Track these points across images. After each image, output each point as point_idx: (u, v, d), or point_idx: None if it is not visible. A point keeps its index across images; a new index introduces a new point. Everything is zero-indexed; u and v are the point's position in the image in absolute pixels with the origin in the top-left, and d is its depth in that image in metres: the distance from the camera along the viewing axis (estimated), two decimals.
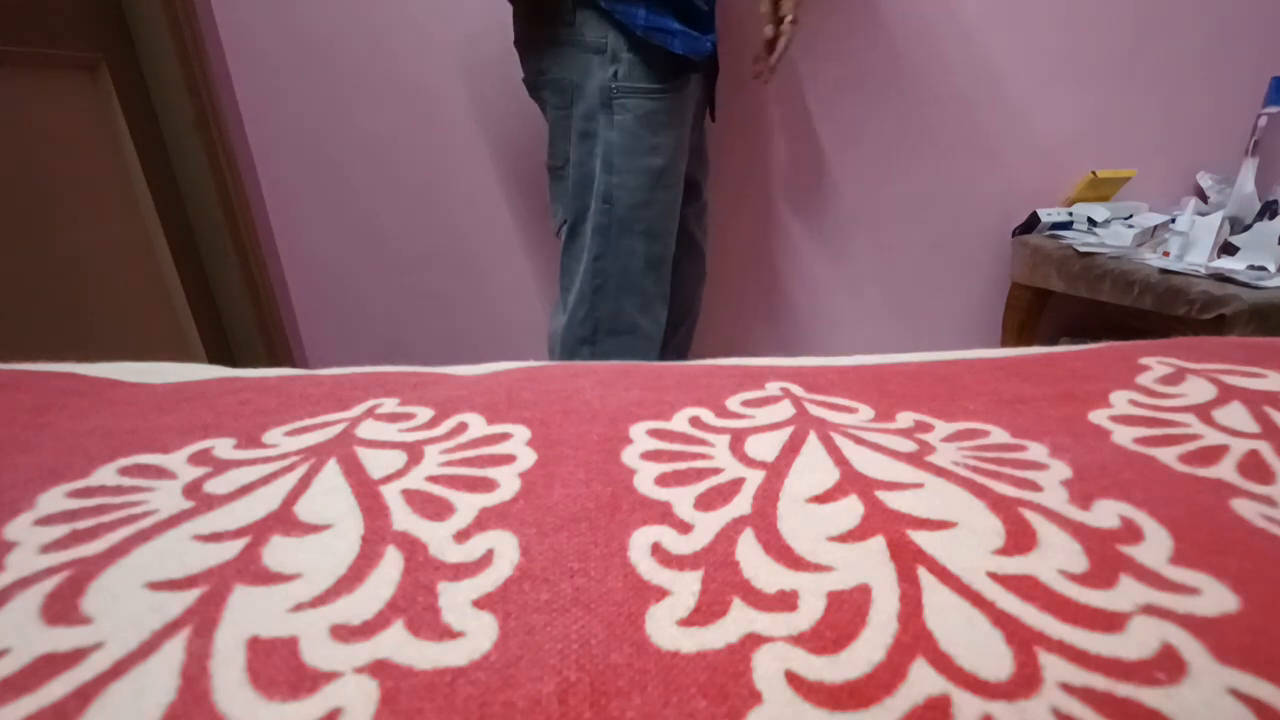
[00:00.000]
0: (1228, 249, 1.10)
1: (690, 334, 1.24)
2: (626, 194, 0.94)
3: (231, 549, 0.22)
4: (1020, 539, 0.22)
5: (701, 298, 1.22)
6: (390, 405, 0.34)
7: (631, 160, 0.92)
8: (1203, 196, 1.38)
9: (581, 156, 0.94)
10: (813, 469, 0.27)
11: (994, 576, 0.20)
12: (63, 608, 0.19)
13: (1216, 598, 0.19)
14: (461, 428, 0.31)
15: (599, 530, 0.23)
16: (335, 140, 1.25)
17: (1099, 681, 0.17)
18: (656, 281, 1.00)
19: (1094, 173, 1.35)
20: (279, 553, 0.22)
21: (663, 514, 0.24)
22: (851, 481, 0.26)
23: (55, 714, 0.16)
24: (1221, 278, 1.02)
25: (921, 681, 0.17)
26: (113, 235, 1.03)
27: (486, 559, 0.22)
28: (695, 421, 0.32)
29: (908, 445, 0.29)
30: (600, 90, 0.89)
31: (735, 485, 0.26)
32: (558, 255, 1.35)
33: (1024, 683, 0.17)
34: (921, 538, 0.22)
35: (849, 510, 0.24)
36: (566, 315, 1.02)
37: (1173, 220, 1.18)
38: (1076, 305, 1.35)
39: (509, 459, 0.28)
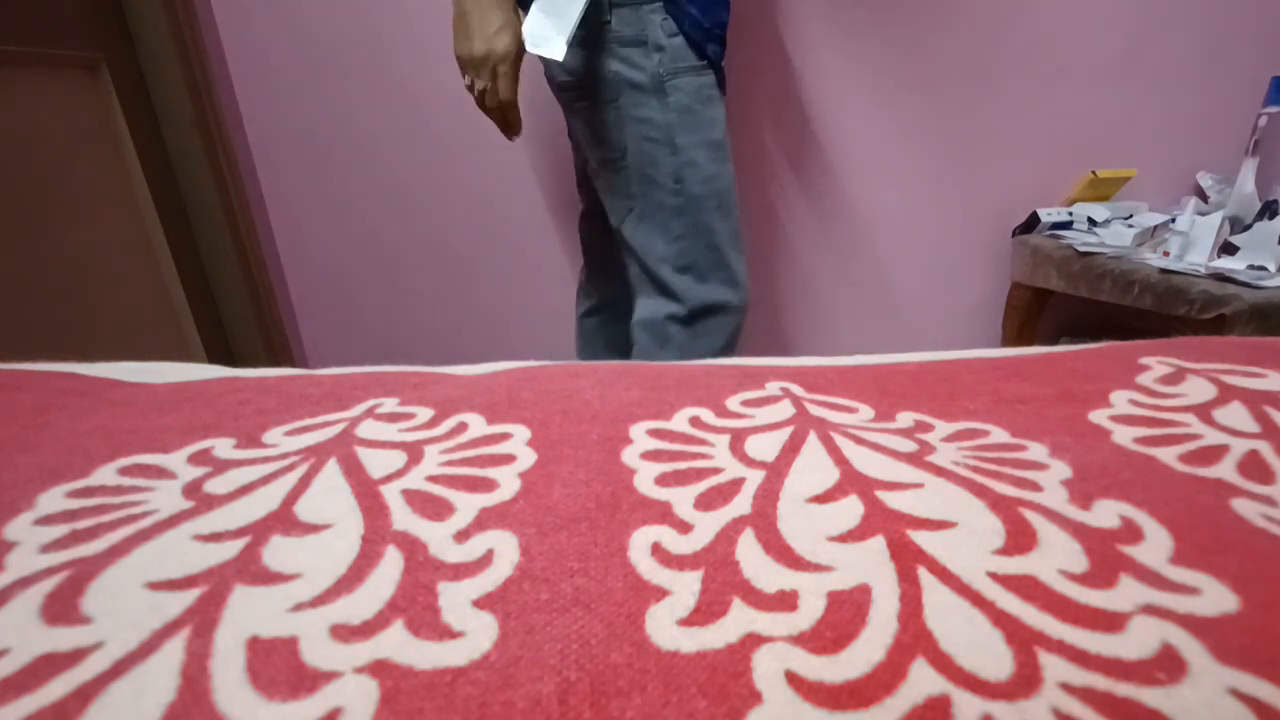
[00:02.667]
0: (1228, 249, 1.10)
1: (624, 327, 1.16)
2: (695, 170, 0.94)
3: (231, 549, 0.22)
4: (1020, 539, 0.22)
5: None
6: (390, 405, 0.34)
7: (693, 136, 0.93)
8: (1203, 196, 1.38)
9: (638, 144, 0.94)
10: (813, 469, 0.27)
11: (994, 576, 0.20)
12: (63, 607, 0.19)
13: (1216, 598, 0.19)
14: (461, 428, 0.31)
15: (599, 530, 0.23)
16: (335, 140, 1.25)
17: (1099, 681, 0.17)
18: (736, 257, 1.00)
19: (1094, 173, 1.35)
20: (279, 552, 0.22)
21: (663, 514, 0.24)
22: (851, 481, 0.26)
23: (55, 714, 0.16)
24: (1221, 278, 1.02)
25: (921, 681, 0.17)
26: (113, 235, 1.03)
27: (486, 559, 0.22)
28: (695, 421, 0.32)
29: (908, 445, 0.29)
30: (650, 78, 0.90)
31: (735, 485, 0.26)
32: (557, 254, 1.36)
33: (1024, 683, 0.17)
34: (921, 538, 0.22)
35: (849, 510, 0.24)
36: (652, 301, 1.02)
37: (1173, 220, 1.18)
38: (1076, 305, 1.35)
39: (509, 459, 0.28)
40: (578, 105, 0.98)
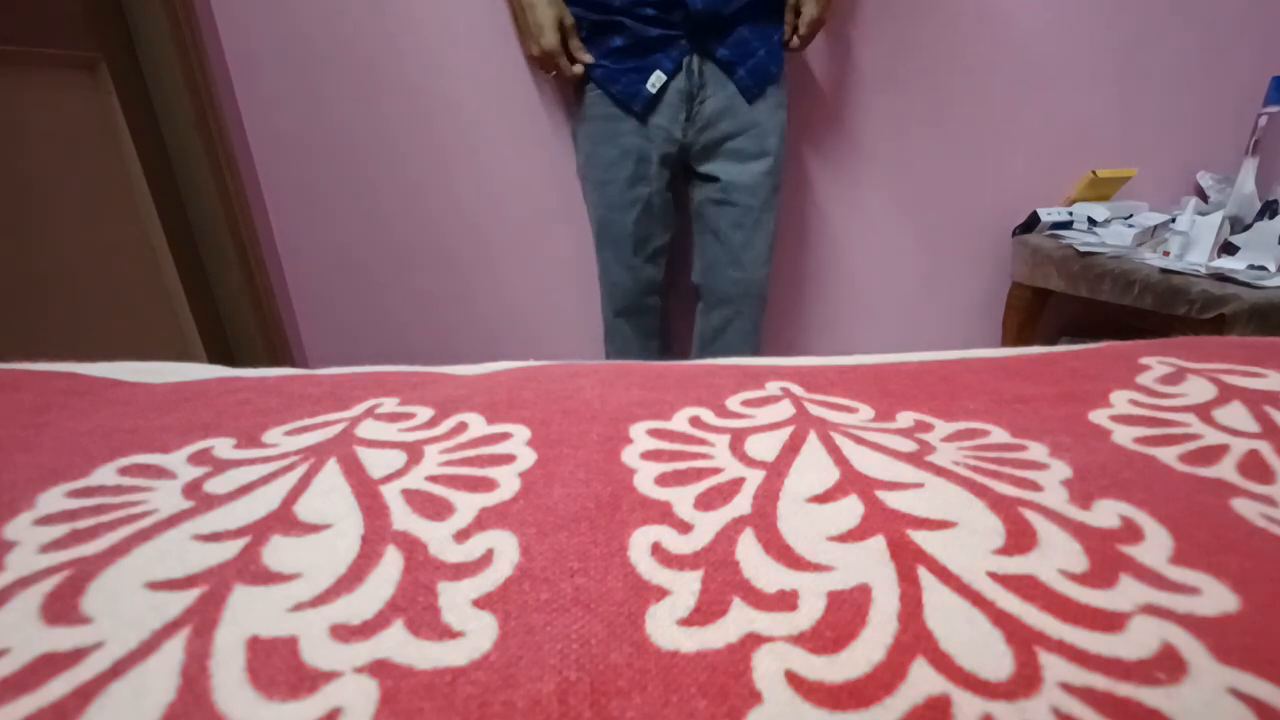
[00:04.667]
0: (1228, 249, 1.10)
1: (741, 321, 1.18)
2: (589, 185, 1.09)
3: (231, 549, 0.22)
4: (1020, 539, 0.22)
5: (734, 285, 1.15)
6: (390, 405, 0.34)
7: (581, 154, 1.08)
8: (1203, 196, 1.38)
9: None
10: (813, 469, 0.27)
11: (994, 576, 0.20)
12: (63, 607, 0.19)
13: (1216, 597, 0.19)
14: (461, 427, 0.31)
15: (599, 530, 0.23)
16: (335, 140, 1.25)
17: (1099, 681, 0.17)
18: (616, 266, 1.14)
19: (1094, 172, 1.35)
20: (279, 552, 0.22)
21: (663, 514, 0.24)
22: (851, 481, 0.26)
23: (55, 714, 0.16)
24: (1221, 277, 1.02)
25: (921, 681, 0.17)
26: (113, 235, 1.03)
27: (486, 559, 0.22)
28: (695, 421, 0.32)
29: (908, 445, 0.29)
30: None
31: (735, 485, 0.26)
32: (557, 255, 1.36)
33: (1024, 682, 0.17)
34: (921, 537, 0.22)
35: (849, 510, 0.24)
36: None
37: (1173, 220, 1.18)
38: (1076, 305, 1.35)
39: (509, 459, 0.28)
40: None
